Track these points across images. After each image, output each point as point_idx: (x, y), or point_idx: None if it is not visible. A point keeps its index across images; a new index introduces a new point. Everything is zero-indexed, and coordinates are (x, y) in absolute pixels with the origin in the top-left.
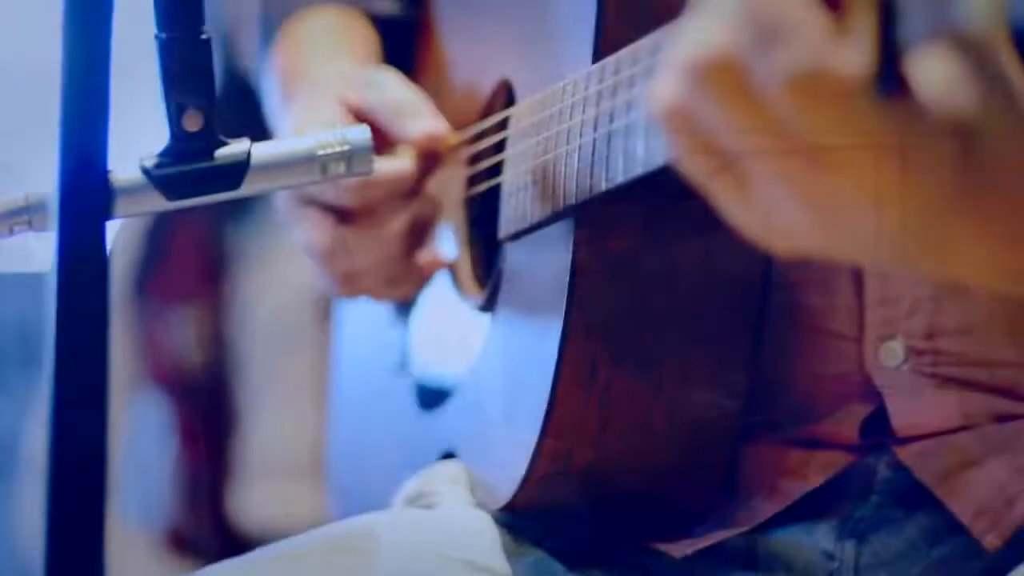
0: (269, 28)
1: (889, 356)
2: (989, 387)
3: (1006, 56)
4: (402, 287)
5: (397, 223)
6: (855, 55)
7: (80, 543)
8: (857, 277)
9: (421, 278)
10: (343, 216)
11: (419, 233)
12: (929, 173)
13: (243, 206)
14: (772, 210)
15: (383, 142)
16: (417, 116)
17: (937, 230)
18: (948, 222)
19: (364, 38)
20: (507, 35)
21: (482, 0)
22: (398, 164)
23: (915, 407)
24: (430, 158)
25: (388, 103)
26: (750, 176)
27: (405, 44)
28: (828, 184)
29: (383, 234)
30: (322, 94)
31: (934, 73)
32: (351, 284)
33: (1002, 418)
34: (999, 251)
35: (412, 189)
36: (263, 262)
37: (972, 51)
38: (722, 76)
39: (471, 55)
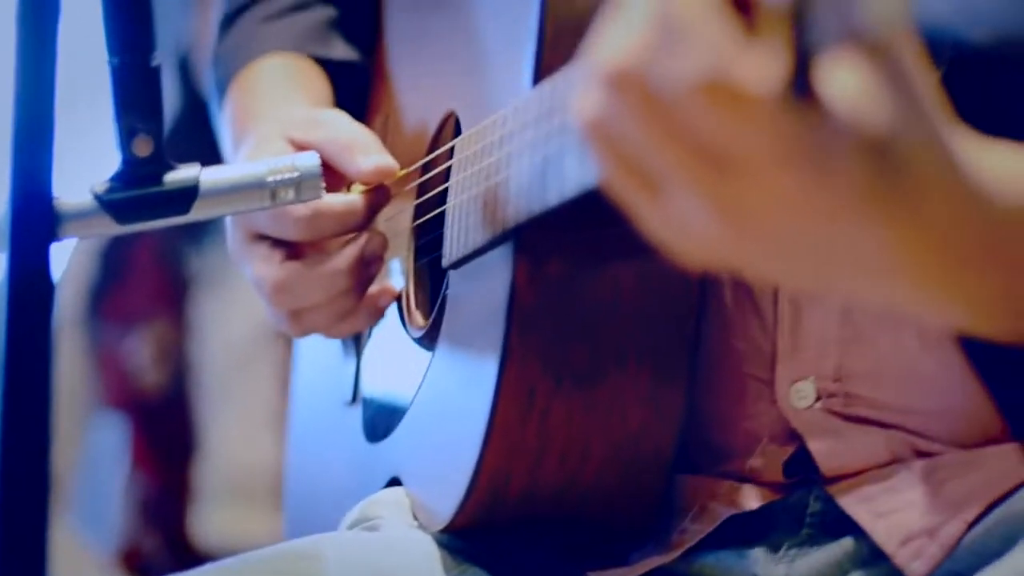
0: (222, 76)
1: (798, 397)
2: (906, 429)
3: (912, 59)
4: (352, 322)
5: (345, 258)
6: (766, 62)
7: (23, 560)
8: (770, 319)
9: (373, 312)
10: (292, 251)
11: (367, 268)
12: (841, 181)
13: (204, 228)
14: (687, 222)
15: (331, 179)
16: (365, 151)
17: (850, 239)
18: (861, 231)
19: (316, 83)
20: (452, 69)
21: (428, 38)
22: (346, 199)
23: (839, 447)
24: (378, 193)
25: (336, 140)
26: (665, 188)
27: (359, 87)
28: (739, 194)
29: (331, 269)
30: (271, 135)
31: (844, 81)
32: (301, 321)
33: (923, 454)
34: (908, 261)
35: (360, 224)
36: (224, 285)
37: (879, 55)
38: (631, 83)
39: (420, 92)
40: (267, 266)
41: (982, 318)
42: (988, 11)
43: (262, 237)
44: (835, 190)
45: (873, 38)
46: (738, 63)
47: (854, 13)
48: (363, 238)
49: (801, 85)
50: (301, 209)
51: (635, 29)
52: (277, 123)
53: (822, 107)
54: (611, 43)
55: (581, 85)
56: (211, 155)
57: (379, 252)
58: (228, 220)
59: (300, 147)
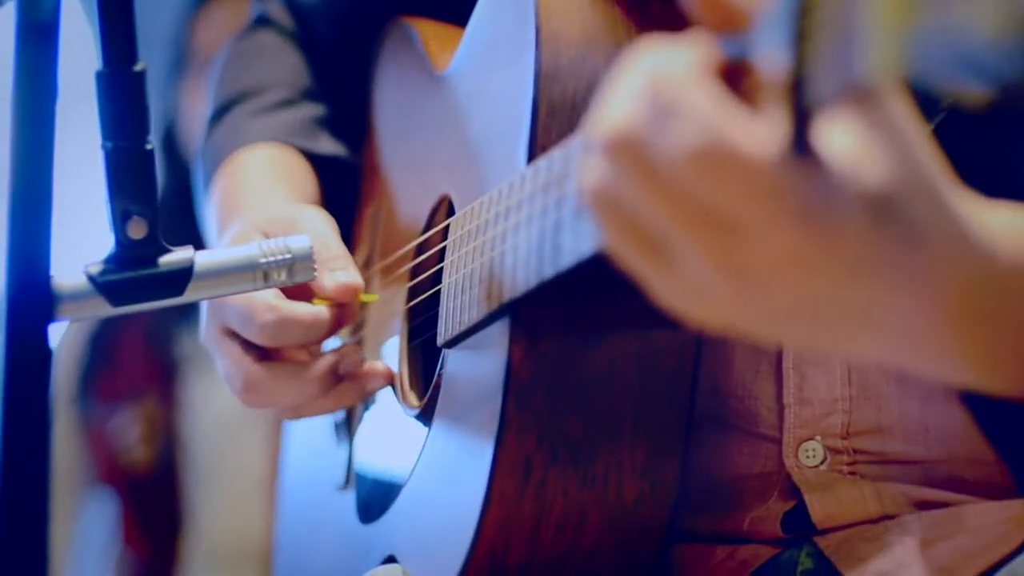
0: (209, 167)
1: (808, 456)
2: (904, 479)
3: (908, 114)
4: (334, 404)
5: (318, 369)
6: (762, 128)
7: None
8: (778, 380)
9: (360, 394)
10: (263, 353)
11: (339, 380)
12: (843, 239)
13: (193, 308)
14: (691, 284)
15: (298, 289)
16: (332, 268)
17: (855, 298)
18: (866, 290)
19: (300, 174)
20: (444, 153)
21: (419, 124)
22: (313, 310)
23: (834, 502)
24: (346, 307)
25: None
26: (669, 251)
27: (346, 182)
28: (743, 254)
29: (303, 378)
30: (248, 232)
31: (841, 139)
32: (277, 412)
33: (921, 505)
34: (915, 319)
35: (325, 336)
36: (213, 364)
37: (875, 112)
38: (629, 151)
39: (412, 177)
40: (237, 366)
41: (988, 376)
42: (985, 62)
43: (234, 334)
44: (838, 248)
45: (869, 95)
46: (731, 132)
47: (852, 69)
48: (338, 353)
49: (800, 146)
50: (268, 315)
51: (628, 100)
52: (255, 219)
53: (821, 166)
54: (608, 114)
55: (582, 154)
56: (196, 228)
57: (353, 368)
58: (203, 311)
59: None
